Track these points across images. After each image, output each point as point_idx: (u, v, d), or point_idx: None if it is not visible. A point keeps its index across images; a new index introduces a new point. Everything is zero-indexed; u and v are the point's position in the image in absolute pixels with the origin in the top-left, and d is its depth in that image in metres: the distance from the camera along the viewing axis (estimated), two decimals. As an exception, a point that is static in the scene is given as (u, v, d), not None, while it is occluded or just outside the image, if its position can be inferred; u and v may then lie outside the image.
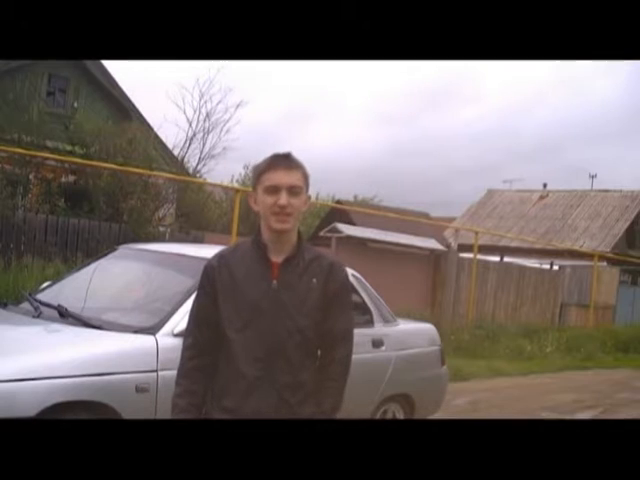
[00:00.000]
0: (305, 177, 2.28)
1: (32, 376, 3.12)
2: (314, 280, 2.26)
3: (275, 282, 2.24)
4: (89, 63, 15.09)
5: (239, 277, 2.26)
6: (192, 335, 2.35)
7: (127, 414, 3.31)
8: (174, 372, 3.53)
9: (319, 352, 2.33)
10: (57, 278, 5.16)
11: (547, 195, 28.28)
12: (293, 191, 2.22)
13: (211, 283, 2.32)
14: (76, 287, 4.44)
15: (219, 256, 2.38)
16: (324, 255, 2.37)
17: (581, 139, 62.96)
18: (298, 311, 2.24)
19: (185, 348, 2.37)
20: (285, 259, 2.26)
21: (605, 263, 19.84)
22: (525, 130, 63.35)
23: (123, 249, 4.98)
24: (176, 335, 3.67)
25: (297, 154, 2.30)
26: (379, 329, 4.98)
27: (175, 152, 15.93)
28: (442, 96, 68.70)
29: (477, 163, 57.14)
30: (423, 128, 62.14)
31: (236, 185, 18.31)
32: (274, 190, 2.21)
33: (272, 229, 2.23)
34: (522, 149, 61.98)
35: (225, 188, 16.36)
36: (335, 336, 2.31)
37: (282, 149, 2.29)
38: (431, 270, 13.65)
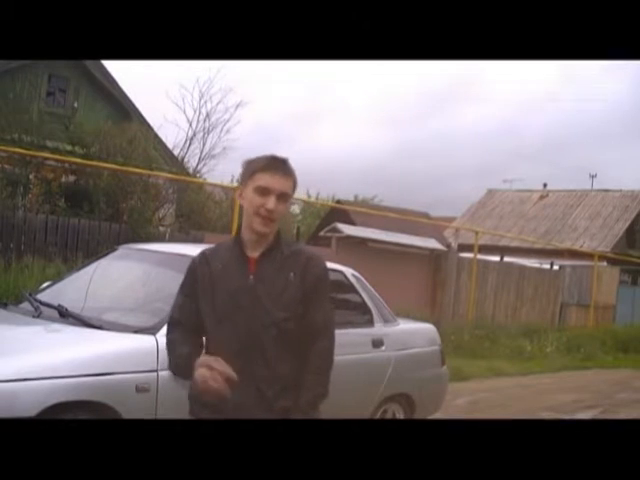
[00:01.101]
0: (295, 186, 2.33)
1: (32, 376, 3.12)
2: (291, 274, 2.29)
3: (252, 277, 2.28)
4: (89, 63, 15.07)
5: (217, 273, 2.30)
6: (172, 333, 2.40)
7: (127, 414, 3.31)
8: (174, 372, 3.56)
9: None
10: (57, 278, 5.16)
11: (547, 195, 28.29)
12: (282, 198, 2.26)
13: (192, 281, 2.37)
14: (76, 287, 4.44)
15: (201, 254, 2.42)
16: (303, 249, 2.40)
17: (587, 140, 62.87)
18: (274, 305, 2.26)
19: (168, 342, 2.41)
20: (261, 254, 2.30)
21: (605, 263, 19.84)
22: (530, 131, 63.23)
23: (123, 249, 4.97)
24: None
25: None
26: (379, 329, 4.98)
27: (175, 152, 15.94)
28: (447, 97, 68.58)
29: (482, 164, 57.02)
30: (427, 129, 62.05)
31: (236, 185, 18.29)
32: (265, 192, 2.24)
33: (254, 230, 2.27)
34: (526, 150, 61.86)
35: (225, 188, 16.33)
36: (313, 329, 2.30)
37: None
38: (431, 270, 13.65)
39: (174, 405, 3.51)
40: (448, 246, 15.17)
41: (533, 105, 66.04)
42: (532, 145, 61.25)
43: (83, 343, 3.57)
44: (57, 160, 10.67)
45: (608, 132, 61.42)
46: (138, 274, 4.59)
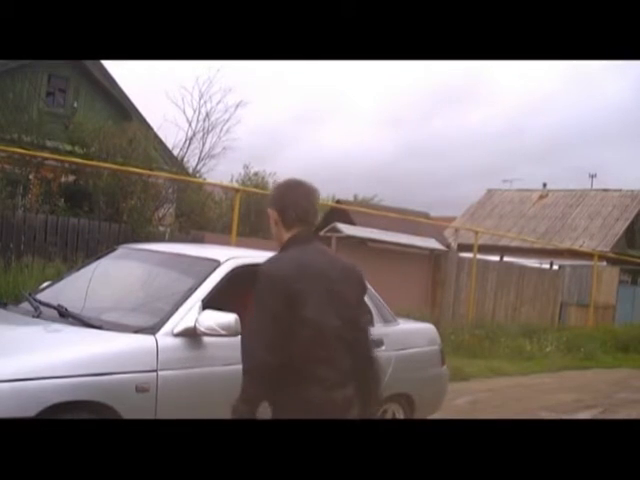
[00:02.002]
0: (274, 211, 2.66)
1: (32, 376, 3.12)
2: None
3: None
4: (89, 63, 15.07)
5: None
6: None
7: (127, 414, 3.30)
8: (174, 372, 3.57)
9: None
10: (57, 278, 5.15)
11: (547, 195, 28.29)
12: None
13: None
14: (76, 287, 4.44)
15: None
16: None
17: (587, 140, 62.65)
18: None
19: None
20: None
21: (605, 263, 19.84)
22: (531, 131, 63.00)
23: (123, 249, 4.97)
24: (176, 335, 3.67)
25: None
26: (379, 329, 4.97)
27: (175, 152, 15.92)
28: (448, 98, 68.33)
29: (483, 164, 56.82)
30: (430, 129, 61.88)
31: (236, 185, 18.28)
32: None
33: None
34: (527, 150, 61.68)
35: (225, 188, 16.35)
36: None
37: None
38: (431, 270, 13.64)
39: (174, 405, 3.52)
40: (448, 246, 15.17)
41: (534, 106, 65.93)
42: (533, 145, 61.12)
43: (83, 343, 3.56)
44: (57, 160, 10.67)
45: (608, 132, 61.38)
46: (138, 274, 4.59)
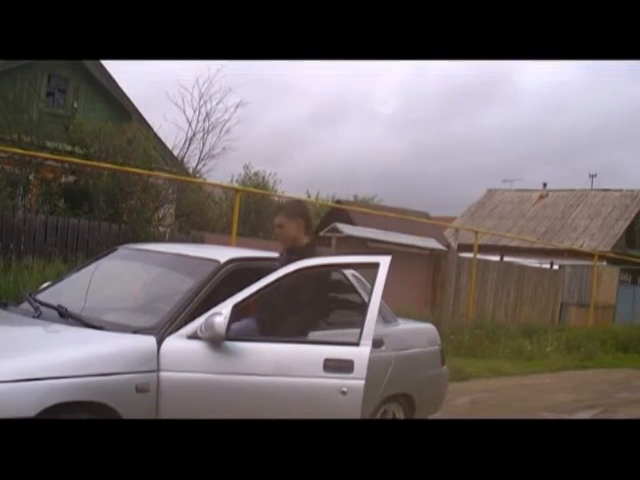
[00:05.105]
0: (301, 219, 4.00)
1: (32, 376, 3.12)
2: None
3: None
4: (89, 63, 15.06)
5: None
6: None
7: (127, 414, 3.30)
8: (174, 373, 3.57)
9: None
10: (57, 278, 5.16)
11: (547, 195, 28.30)
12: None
13: None
14: (76, 287, 4.44)
15: None
16: None
17: (587, 139, 62.55)
18: None
19: None
20: None
21: (605, 263, 19.85)
22: (541, 132, 62.80)
23: (123, 249, 4.97)
24: (176, 335, 3.67)
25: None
26: (379, 329, 4.96)
27: (175, 152, 15.92)
28: (459, 98, 68.20)
29: (484, 165, 56.74)
30: (436, 130, 61.82)
31: (236, 185, 18.26)
32: None
33: None
34: (528, 151, 61.57)
35: (225, 188, 16.34)
36: None
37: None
38: (431, 270, 13.64)
39: (174, 405, 3.52)
40: (448, 246, 15.17)
41: (543, 106, 65.80)
42: (538, 146, 61.00)
43: (83, 343, 3.56)
44: (57, 160, 10.67)
45: (608, 131, 61.31)
46: (138, 274, 4.59)
